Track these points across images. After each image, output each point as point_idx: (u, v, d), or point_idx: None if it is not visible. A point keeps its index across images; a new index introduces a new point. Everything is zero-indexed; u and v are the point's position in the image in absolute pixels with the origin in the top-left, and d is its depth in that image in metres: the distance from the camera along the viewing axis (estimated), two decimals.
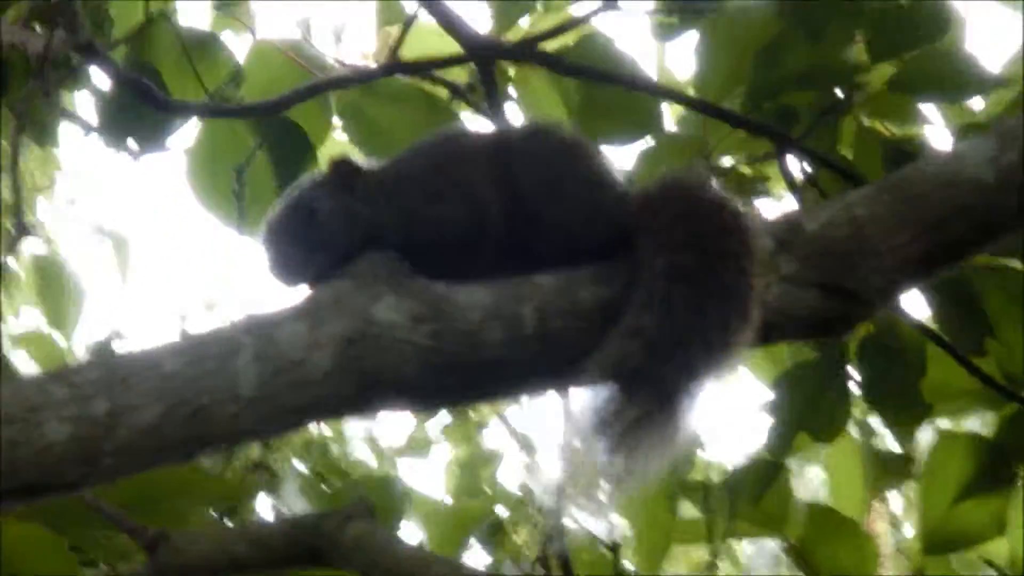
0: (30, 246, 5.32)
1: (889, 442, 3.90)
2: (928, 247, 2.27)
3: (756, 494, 3.74)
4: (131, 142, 3.82)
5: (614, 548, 3.64)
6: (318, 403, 2.22)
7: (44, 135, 3.93)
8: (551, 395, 2.36)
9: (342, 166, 2.35)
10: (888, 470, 3.96)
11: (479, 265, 2.28)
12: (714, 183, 2.30)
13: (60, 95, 3.84)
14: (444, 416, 5.21)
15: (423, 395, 2.25)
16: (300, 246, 2.31)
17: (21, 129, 3.63)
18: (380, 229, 2.30)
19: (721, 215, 2.24)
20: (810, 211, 2.34)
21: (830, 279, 2.26)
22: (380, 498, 3.80)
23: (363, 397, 2.23)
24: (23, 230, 3.86)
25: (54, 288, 4.59)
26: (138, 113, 3.76)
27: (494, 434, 5.34)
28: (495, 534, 4.20)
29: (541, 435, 4.85)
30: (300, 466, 3.99)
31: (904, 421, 3.66)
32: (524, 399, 2.46)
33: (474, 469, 4.05)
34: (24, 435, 2.11)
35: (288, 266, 2.32)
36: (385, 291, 2.23)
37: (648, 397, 2.11)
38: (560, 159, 2.34)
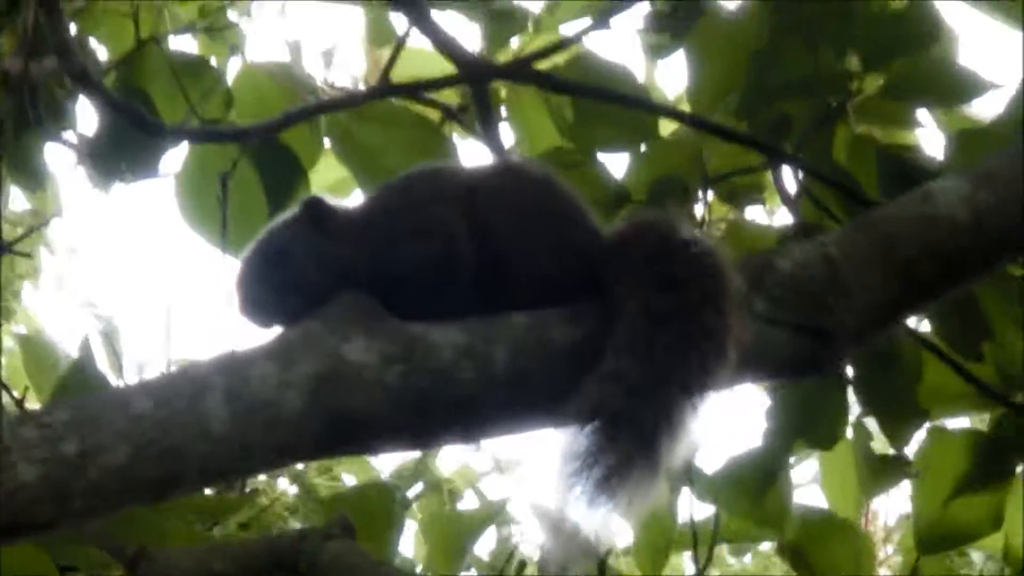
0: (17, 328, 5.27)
1: (884, 443, 3.84)
2: (901, 288, 2.27)
3: (756, 494, 3.69)
4: (121, 169, 3.79)
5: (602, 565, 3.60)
6: (292, 443, 2.22)
7: (31, 176, 3.91)
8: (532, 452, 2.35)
9: (314, 206, 2.35)
10: (884, 472, 3.91)
11: (453, 304, 2.27)
12: (686, 224, 2.29)
13: (48, 127, 3.80)
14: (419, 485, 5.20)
15: (398, 435, 2.25)
16: (273, 288, 2.30)
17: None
18: (353, 269, 2.29)
19: (695, 255, 2.24)
20: (783, 250, 2.33)
21: (803, 319, 2.25)
22: (377, 508, 3.73)
23: (337, 437, 2.23)
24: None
25: (44, 367, 4.51)
26: (128, 140, 3.73)
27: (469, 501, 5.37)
28: None
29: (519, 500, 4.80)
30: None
31: (901, 427, 3.61)
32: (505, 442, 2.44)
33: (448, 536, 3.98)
34: None
35: (261, 307, 2.31)
36: (356, 332, 2.23)
37: (628, 440, 2.11)
38: (530, 198, 2.34)
